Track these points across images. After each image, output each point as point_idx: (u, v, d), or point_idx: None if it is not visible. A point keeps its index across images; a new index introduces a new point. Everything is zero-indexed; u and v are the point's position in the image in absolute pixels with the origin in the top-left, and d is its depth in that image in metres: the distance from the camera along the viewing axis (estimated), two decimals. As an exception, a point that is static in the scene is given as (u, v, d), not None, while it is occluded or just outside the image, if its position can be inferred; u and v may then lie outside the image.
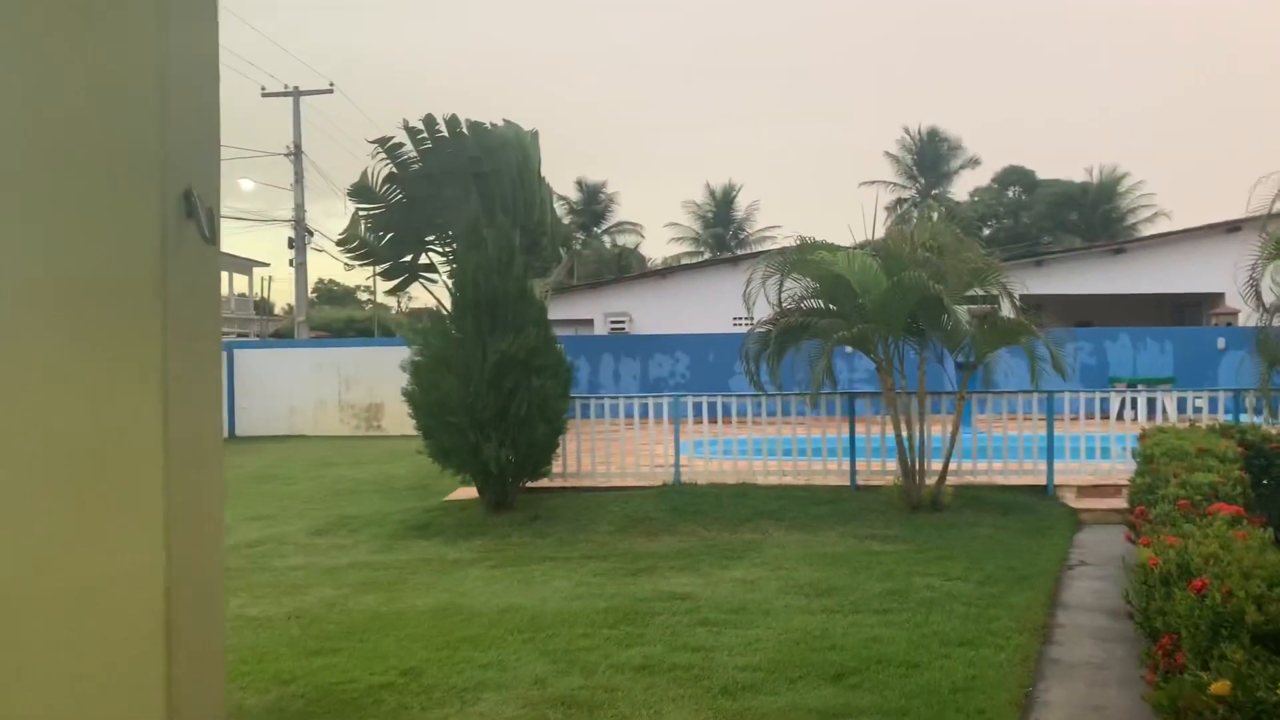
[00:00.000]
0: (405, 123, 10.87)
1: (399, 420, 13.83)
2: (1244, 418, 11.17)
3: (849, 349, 11.83)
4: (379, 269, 12.16)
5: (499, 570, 8.42)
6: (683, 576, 7.92)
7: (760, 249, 34.88)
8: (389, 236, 11.71)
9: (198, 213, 2.35)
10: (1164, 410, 13.60)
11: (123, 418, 2.18)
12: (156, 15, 2.23)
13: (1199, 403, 12.17)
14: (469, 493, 11.29)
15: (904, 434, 10.55)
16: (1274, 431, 8.97)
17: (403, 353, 11.37)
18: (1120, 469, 11.13)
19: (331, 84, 32.40)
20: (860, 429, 11.69)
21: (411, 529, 10.19)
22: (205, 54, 2.52)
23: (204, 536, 2.47)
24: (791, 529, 9.69)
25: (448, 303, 11.04)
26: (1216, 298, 23.75)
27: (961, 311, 10.14)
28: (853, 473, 11.54)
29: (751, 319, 11.42)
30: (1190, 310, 26.28)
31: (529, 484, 11.08)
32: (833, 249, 10.56)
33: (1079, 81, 74.82)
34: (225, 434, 20.34)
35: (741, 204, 52.10)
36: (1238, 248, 24.16)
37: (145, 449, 2.17)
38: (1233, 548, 3.90)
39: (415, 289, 12.67)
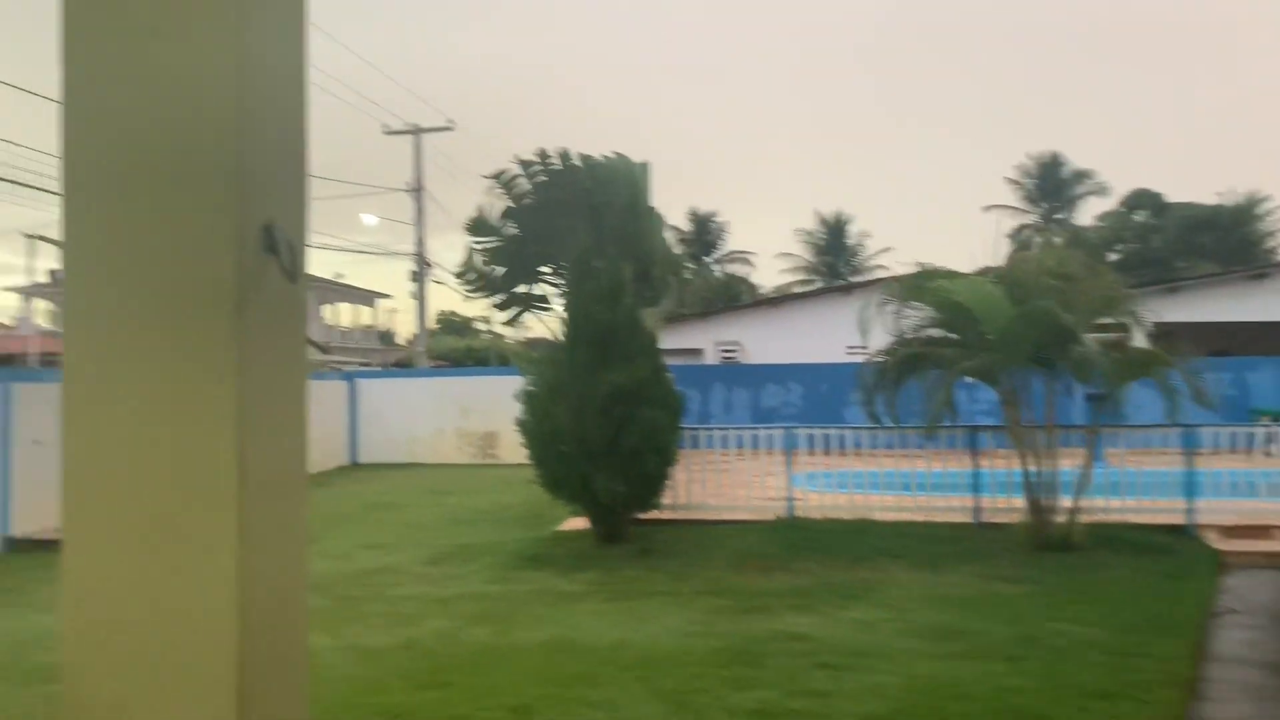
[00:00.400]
0: (519, 157, 11.04)
1: (513, 449, 13.98)
2: None
3: (970, 380, 11.41)
4: (495, 300, 12.31)
5: (610, 604, 8.32)
6: (799, 616, 7.68)
7: (874, 277, 34.26)
8: (504, 268, 11.87)
9: (280, 247, 2.30)
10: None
11: (199, 451, 2.16)
12: (237, 53, 2.21)
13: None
14: (581, 523, 11.27)
15: (1031, 469, 10.09)
16: None
17: (518, 382, 11.47)
18: (1270, 508, 10.43)
19: (451, 121, 33.26)
20: (984, 463, 11.24)
21: (524, 559, 10.20)
22: (291, 85, 2.49)
23: (284, 569, 2.44)
24: (912, 568, 9.33)
25: (561, 333, 11.11)
26: (1372, 323, 22.22)
27: (1092, 341, 9.67)
28: (976, 509, 11.09)
29: (867, 348, 11.12)
30: (1342, 338, 24.62)
31: (640, 516, 11.00)
32: (952, 276, 10.23)
33: (1211, 101, 71.60)
34: (347, 461, 20.93)
35: (854, 231, 51.43)
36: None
37: (220, 482, 2.15)
38: None
39: (531, 319, 12.82)
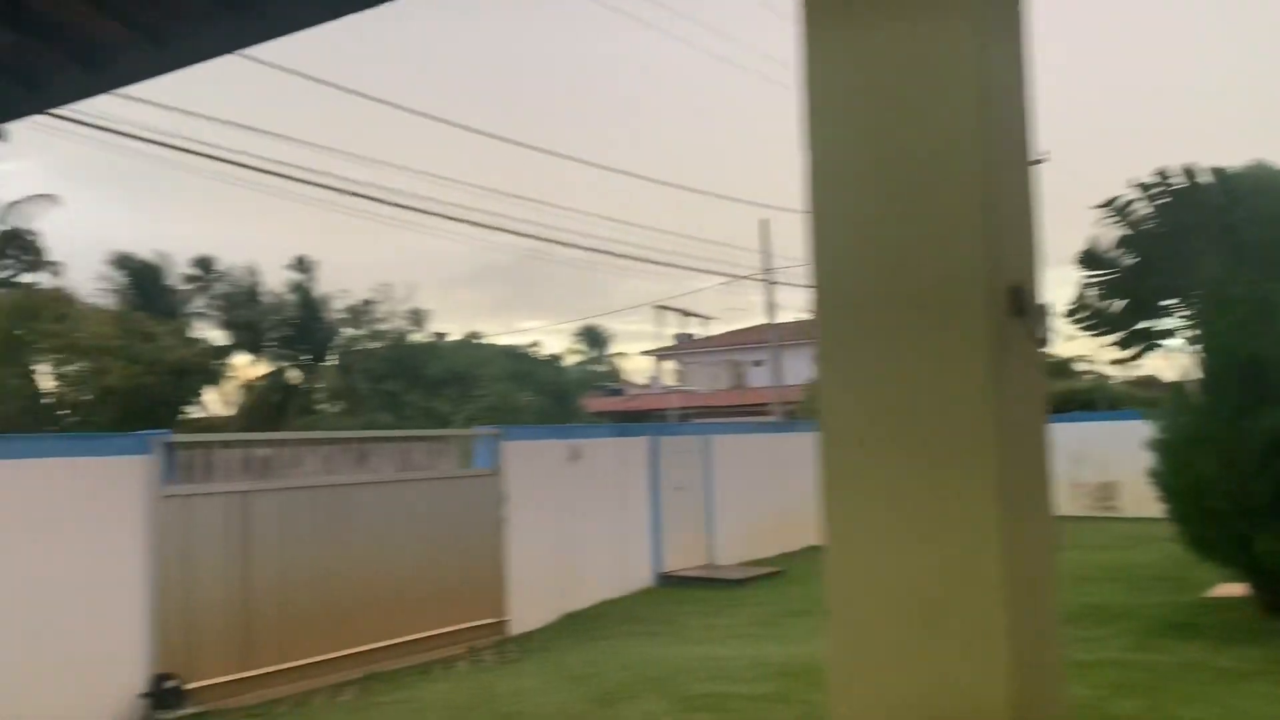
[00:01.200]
0: (1135, 180, 10.11)
1: (1136, 500, 12.64)
2: None
3: None
4: (1111, 338, 11.35)
5: (1288, 688, 7.05)
6: None
7: None
8: (1121, 302, 10.92)
9: (1028, 309, 2.24)
10: None
11: (960, 489, 2.14)
12: (979, 87, 2.17)
13: None
14: (1236, 590, 9.77)
15: None
16: None
17: (1136, 427, 10.38)
18: None
19: (1045, 153, 31.80)
20: None
21: (1168, 626, 9.09)
22: (1020, 124, 2.42)
23: (1045, 636, 2.35)
24: None
25: (1188, 370, 9.86)
26: None
27: None
28: None
29: None
30: None
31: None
32: None
33: None
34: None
35: None
36: None
37: (984, 585, 2.11)
38: None
39: (1152, 357, 11.60)
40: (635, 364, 56.60)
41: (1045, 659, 2.33)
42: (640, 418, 33.83)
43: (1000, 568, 2.10)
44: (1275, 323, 9.13)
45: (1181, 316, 10.64)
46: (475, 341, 40.64)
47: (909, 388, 2.21)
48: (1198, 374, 9.70)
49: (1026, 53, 2.43)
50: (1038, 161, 2.48)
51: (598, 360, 59.15)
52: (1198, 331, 10.09)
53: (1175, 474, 9.44)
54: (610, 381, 51.29)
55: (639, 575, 12.56)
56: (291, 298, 33.50)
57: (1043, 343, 2.33)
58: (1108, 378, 46.13)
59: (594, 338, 59.75)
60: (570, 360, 54.34)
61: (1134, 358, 11.52)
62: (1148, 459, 9.93)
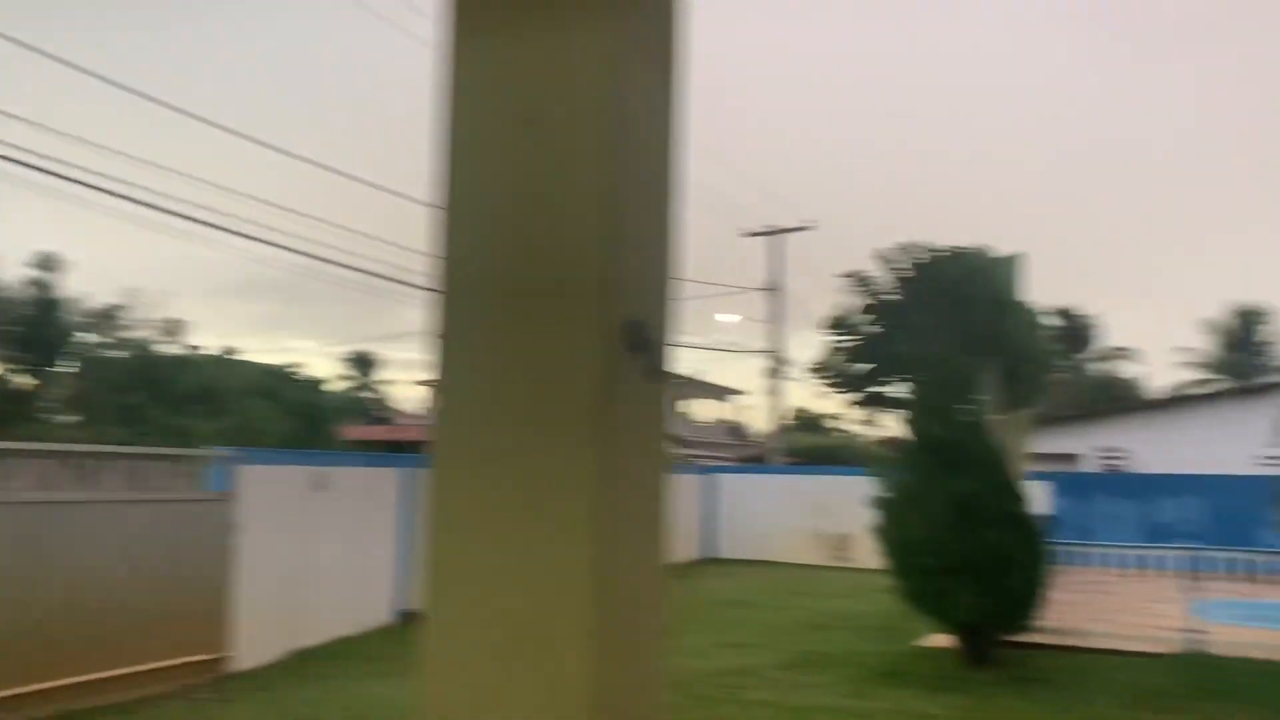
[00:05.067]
0: (882, 252, 10.85)
1: (868, 552, 13.45)
2: None
3: None
4: (852, 398, 12.08)
5: (980, 734, 7.62)
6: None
7: (1289, 377, 29.98)
8: (863, 366, 11.65)
9: (642, 345, 2.23)
10: None
11: (554, 547, 2.12)
12: (608, 120, 2.16)
13: None
14: (941, 640, 10.52)
15: None
16: None
17: (870, 483, 11.06)
18: None
19: (811, 221, 33.68)
20: None
21: (882, 674, 9.65)
22: (661, 179, 2.44)
23: (639, 669, 2.34)
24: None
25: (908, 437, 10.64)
26: None
27: None
28: None
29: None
30: None
31: (1008, 638, 10.07)
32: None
33: None
34: (700, 555, 21.25)
35: (1265, 324, 45.37)
36: None
37: (575, 579, 2.10)
38: None
39: (889, 418, 12.43)
40: (407, 392, 55.14)
41: (640, 709, 2.34)
42: (406, 448, 32.98)
43: (589, 608, 2.09)
44: (967, 400, 10.01)
45: (909, 385, 11.46)
46: (230, 358, 38.39)
47: (519, 417, 2.18)
48: (912, 440, 10.47)
49: (676, 89, 2.44)
50: (677, 198, 2.48)
51: (365, 386, 57.29)
52: (911, 400, 10.93)
53: (891, 530, 10.11)
54: (377, 409, 49.76)
55: (379, 612, 12.10)
56: (27, 296, 30.55)
57: (660, 379, 2.32)
58: (856, 435, 49.26)
59: (364, 363, 57.86)
60: (337, 385, 52.36)
61: (868, 419, 12.31)
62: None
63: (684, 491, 21.05)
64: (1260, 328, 45.45)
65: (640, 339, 2.22)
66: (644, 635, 2.38)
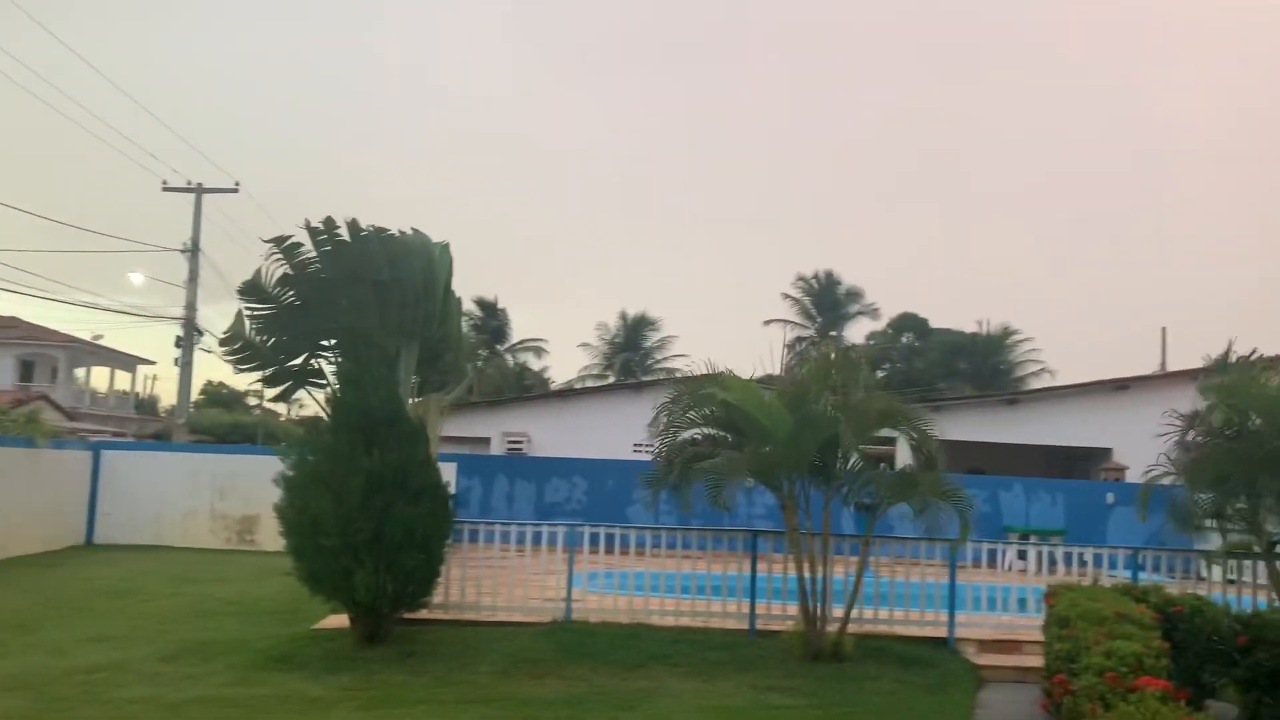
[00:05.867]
0: (307, 223, 10.39)
1: (274, 535, 12.85)
2: (1142, 576, 11.09)
3: (750, 482, 11.48)
4: (263, 373, 11.41)
5: (364, 713, 7.61)
6: (568, 728, 7.24)
7: (665, 376, 34.80)
8: (277, 339, 11.07)
9: None
10: (1053, 562, 13.04)
11: None
12: None
13: (1087, 557, 11.97)
14: (340, 621, 10.40)
15: (806, 576, 10.13)
16: (1175, 593, 8.82)
17: (280, 464, 10.56)
18: (1022, 623, 10.88)
19: (237, 183, 31.70)
20: (761, 568, 11.23)
21: (272, 660, 9.25)
22: None
23: None
24: (687, 677, 9.07)
25: (324, 413, 10.41)
26: (1105, 453, 24.31)
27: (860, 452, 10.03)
28: (752, 617, 11.02)
29: (654, 446, 10.99)
30: (1080, 464, 26.81)
31: (406, 615, 10.26)
32: (739, 382, 10.30)
33: (974, 233, 78.29)
34: (81, 541, 18.82)
35: (652, 329, 52.32)
36: (1126, 405, 24.79)
37: None
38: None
39: (306, 396, 11.97)
40: None
41: None
42: None
43: None
44: (390, 379, 10.08)
45: (328, 361, 11.17)
46: None
47: None
48: (329, 417, 10.23)
49: None
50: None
51: None
52: (334, 378, 10.71)
53: (296, 511, 9.76)
54: None
55: None
56: None
57: None
58: (275, 413, 47.35)
59: None
60: None
61: (282, 395, 11.74)
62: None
63: (63, 468, 18.51)
64: (646, 333, 52.26)
65: None
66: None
